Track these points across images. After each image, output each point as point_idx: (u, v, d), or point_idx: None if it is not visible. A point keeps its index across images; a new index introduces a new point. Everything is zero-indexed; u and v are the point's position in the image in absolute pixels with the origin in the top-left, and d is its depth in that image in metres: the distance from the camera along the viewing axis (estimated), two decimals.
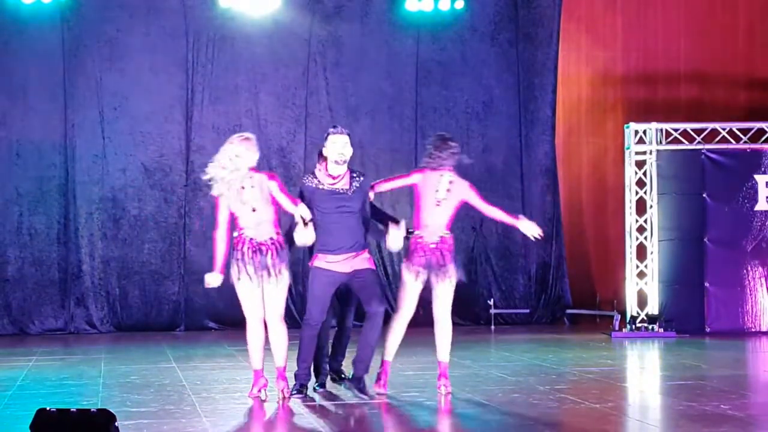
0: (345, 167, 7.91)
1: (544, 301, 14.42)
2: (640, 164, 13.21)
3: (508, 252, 14.39)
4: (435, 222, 8.12)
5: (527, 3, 14.39)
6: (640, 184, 13.23)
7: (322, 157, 8.55)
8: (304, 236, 7.74)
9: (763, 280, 12.85)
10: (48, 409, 5.29)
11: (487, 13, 14.34)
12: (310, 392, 8.20)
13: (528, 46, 14.44)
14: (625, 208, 13.31)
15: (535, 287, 14.43)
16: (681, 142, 13.14)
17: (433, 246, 8.08)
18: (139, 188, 13.62)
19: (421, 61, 14.23)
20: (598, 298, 14.40)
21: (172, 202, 13.68)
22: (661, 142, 13.15)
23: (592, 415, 7.31)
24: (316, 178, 7.93)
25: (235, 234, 7.83)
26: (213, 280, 7.93)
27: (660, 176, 13.06)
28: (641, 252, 13.21)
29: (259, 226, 7.74)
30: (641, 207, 13.20)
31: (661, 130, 13.19)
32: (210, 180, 7.81)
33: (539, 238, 8.46)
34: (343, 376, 8.70)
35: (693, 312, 12.85)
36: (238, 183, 7.72)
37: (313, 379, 8.34)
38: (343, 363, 8.79)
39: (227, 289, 13.71)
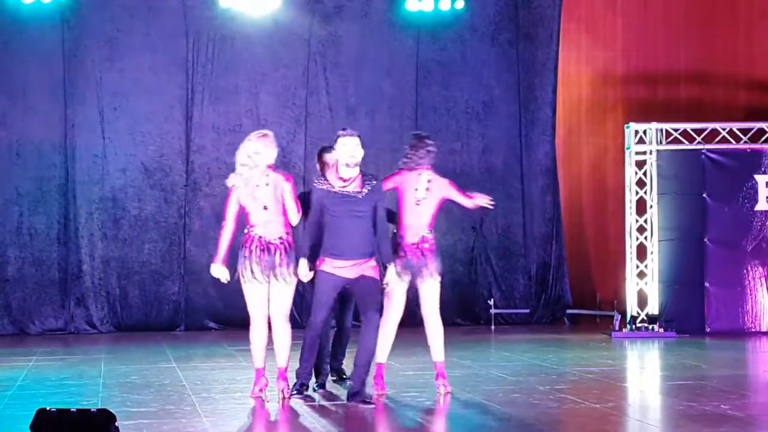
0: (357, 170, 7.74)
1: (544, 301, 14.41)
2: (640, 164, 13.21)
3: (509, 252, 14.39)
4: (416, 222, 8.09)
5: (527, 3, 14.39)
6: (640, 184, 13.23)
7: (321, 158, 8.55)
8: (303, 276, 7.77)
9: (763, 280, 12.85)
10: (48, 409, 5.29)
11: (487, 13, 14.34)
12: (309, 392, 8.20)
13: (528, 46, 14.44)
14: (625, 208, 13.31)
15: (536, 287, 14.43)
16: (681, 142, 13.14)
17: (414, 246, 8.04)
18: (139, 188, 13.62)
19: (421, 61, 14.23)
20: (599, 298, 14.40)
21: (172, 202, 13.68)
22: (661, 142, 13.15)
23: (592, 415, 7.31)
24: (326, 181, 7.76)
25: (245, 231, 7.80)
26: (218, 272, 7.86)
27: (660, 176, 13.06)
28: (641, 252, 13.21)
29: (269, 225, 7.72)
30: (641, 207, 13.20)
31: (661, 130, 13.19)
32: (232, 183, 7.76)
33: (491, 206, 8.43)
34: (344, 376, 8.70)
35: (693, 312, 12.85)
36: (255, 180, 7.70)
37: (313, 379, 8.34)
38: (344, 362, 8.80)
39: (227, 289, 13.75)
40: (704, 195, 12.94)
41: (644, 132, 13.17)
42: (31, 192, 13.38)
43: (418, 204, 8.09)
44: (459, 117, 14.30)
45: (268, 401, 7.81)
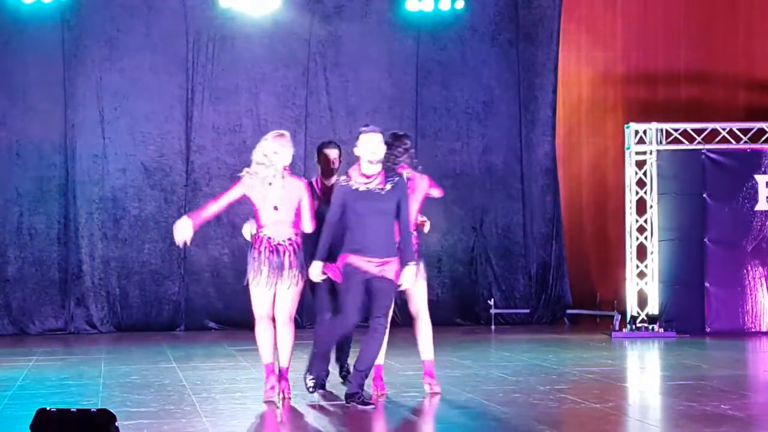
0: (379, 166, 7.64)
1: (544, 301, 14.41)
2: (640, 164, 13.21)
3: (509, 252, 14.39)
4: None
5: (527, 3, 14.38)
6: (641, 184, 13.23)
7: (321, 153, 8.49)
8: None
9: (763, 280, 12.85)
10: (48, 409, 5.29)
11: (487, 13, 14.34)
12: (310, 392, 8.19)
13: (528, 46, 14.44)
14: (625, 208, 13.30)
15: (536, 287, 14.43)
16: (681, 142, 13.14)
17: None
18: (139, 188, 13.62)
19: (422, 61, 14.23)
20: (599, 298, 14.40)
21: (172, 202, 13.68)
22: (661, 142, 13.15)
23: (593, 415, 7.31)
24: (349, 178, 7.66)
25: (253, 232, 7.77)
26: (182, 225, 7.87)
27: (660, 176, 13.06)
28: (641, 252, 13.20)
29: (278, 226, 7.69)
30: (641, 207, 13.20)
31: (661, 130, 13.19)
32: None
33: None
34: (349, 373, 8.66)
35: (693, 312, 12.85)
36: (269, 179, 7.67)
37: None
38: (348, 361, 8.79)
39: (227, 289, 13.83)
40: (704, 195, 12.94)
41: (644, 132, 13.17)
42: (31, 192, 13.38)
43: None
44: (459, 117, 14.30)
45: (280, 406, 7.72)
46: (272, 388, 7.84)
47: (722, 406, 7.49)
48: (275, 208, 7.69)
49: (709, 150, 13.01)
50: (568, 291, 14.48)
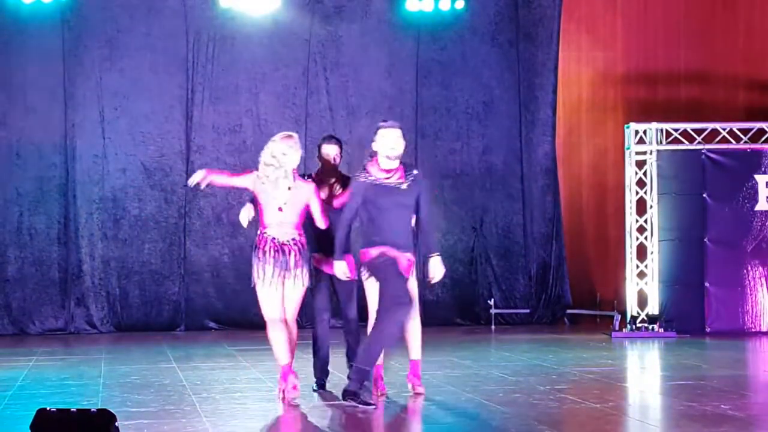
0: (397, 162, 7.63)
1: (544, 301, 14.41)
2: (640, 164, 13.21)
3: (509, 252, 14.39)
4: None
5: (527, 3, 14.39)
6: (641, 184, 13.23)
7: (321, 149, 8.45)
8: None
9: (763, 280, 12.85)
10: (48, 409, 5.29)
11: (487, 13, 14.34)
12: (309, 392, 8.19)
13: (528, 47, 14.44)
14: (625, 208, 13.30)
15: (536, 287, 14.43)
16: (681, 142, 13.14)
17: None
18: (139, 188, 13.62)
19: (422, 61, 14.23)
20: (599, 298, 14.40)
21: (172, 202, 13.68)
22: (661, 142, 13.15)
23: (593, 415, 7.31)
24: (368, 173, 7.62)
25: (258, 232, 7.76)
26: (199, 172, 7.77)
27: (660, 176, 13.06)
28: (641, 252, 13.20)
29: (282, 226, 7.65)
30: (641, 207, 13.20)
31: (662, 130, 13.19)
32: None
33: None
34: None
35: (693, 312, 12.85)
36: (278, 180, 7.63)
37: (313, 379, 8.33)
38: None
39: (227, 289, 13.82)
40: (704, 195, 12.94)
41: (644, 132, 13.17)
42: (31, 192, 13.39)
43: None
44: (459, 117, 14.31)
45: (297, 405, 7.67)
46: (294, 387, 7.71)
47: (722, 406, 7.49)
48: (280, 209, 7.66)
49: (709, 150, 13.01)
50: (568, 291, 14.49)
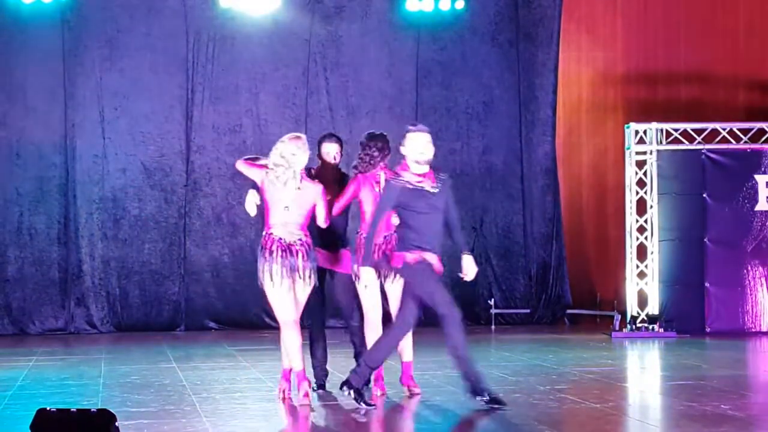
0: (427, 167, 7.58)
1: (544, 301, 14.41)
2: (640, 164, 13.21)
3: (509, 252, 14.39)
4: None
5: (527, 3, 14.39)
6: (641, 184, 13.23)
7: (320, 147, 8.42)
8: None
9: (763, 280, 12.85)
10: (48, 409, 5.29)
11: (487, 13, 14.34)
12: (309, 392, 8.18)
13: (528, 47, 14.44)
14: (625, 208, 13.30)
15: (536, 287, 14.43)
16: (681, 142, 13.14)
17: (377, 246, 7.92)
18: (139, 188, 13.62)
19: (422, 61, 14.23)
20: (599, 298, 14.40)
21: (172, 202, 13.68)
22: (661, 142, 13.15)
23: (593, 415, 7.31)
24: (402, 177, 7.57)
25: (263, 233, 7.72)
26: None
27: (660, 176, 13.06)
28: (641, 252, 13.20)
29: (288, 227, 7.60)
30: (641, 207, 13.20)
31: (662, 130, 13.19)
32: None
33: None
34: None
35: (693, 312, 12.85)
36: (287, 180, 7.60)
37: (313, 379, 8.33)
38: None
39: (227, 289, 13.81)
40: (704, 195, 12.94)
41: (644, 132, 13.17)
42: (31, 192, 13.39)
43: None
44: (459, 117, 14.31)
45: (313, 409, 7.67)
46: (306, 395, 7.57)
47: (722, 406, 7.49)
48: (286, 207, 7.62)
49: (709, 150, 13.01)
50: (568, 291, 14.49)
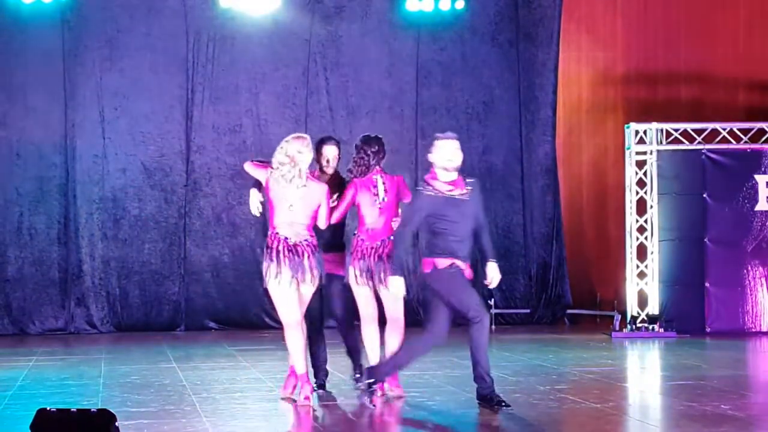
0: (456, 174, 7.55)
1: (544, 301, 14.41)
2: (640, 164, 13.21)
3: (509, 252, 14.37)
4: (379, 225, 7.96)
5: (527, 3, 14.39)
6: (641, 184, 13.23)
7: (320, 150, 8.39)
8: None
9: (763, 280, 12.84)
10: (48, 409, 5.29)
11: (487, 13, 14.34)
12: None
13: (528, 47, 14.44)
14: (625, 208, 13.30)
15: (536, 287, 14.43)
16: (681, 142, 13.14)
17: (373, 250, 7.94)
18: (140, 188, 13.62)
19: (422, 61, 14.23)
20: (599, 298, 14.40)
21: (172, 202, 13.68)
22: (661, 142, 13.15)
23: (593, 415, 7.31)
24: (431, 186, 7.54)
25: (269, 232, 7.68)
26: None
27: (660, 176, 13.06)
28: (642, 252, 13.20)
29: (293, 227, 7.57)
30: (642, 207, 13.20)
31: (662, 130, 13.19)
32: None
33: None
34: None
35: (693, 312, 12.85)
36: (293, 179, 7.58)
37: (313, 380, 8.32)
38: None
39: (227, 289, 13.80)
40: (704, 195, 12.94)
41: (644, 132, 13.17)
42: (32, 192, 13.39)
43: (380, 207, 7.98)
44: (459, 117, 14.30)
45: (314, 409, 7.66)
46: (307, 398, 7.58)
47: (722, 406, 7.49)
48: (291, 206, 7.58)
49: (709, 150, 13.01)
50: (568, 291, 14.48)
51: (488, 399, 7.44)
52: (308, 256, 7.57)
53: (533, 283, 14.42)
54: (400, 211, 8.13)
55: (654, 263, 13.09)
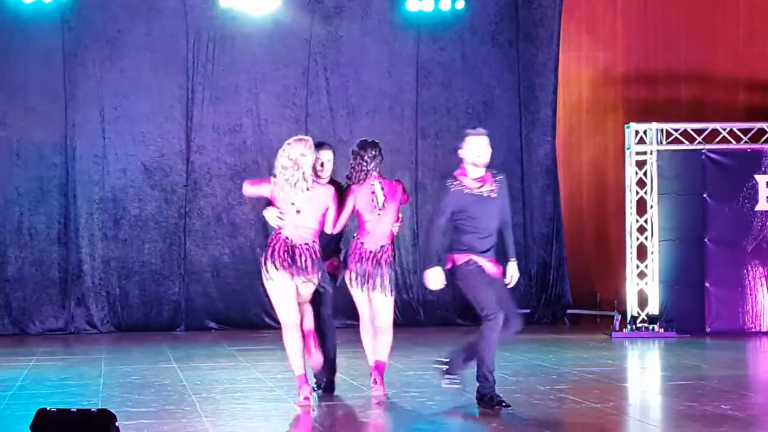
0: (484, 170, 7.60)
1: (544, 301, 14.41)
2: (640, 164, 13.21)
3: None
4: (379, 230, 7.96)
5: (527, 3, 14.38)
6: (641, 184, 13.23)
7: (318, 158, 8.38)
8: None
9: (763, 280, 12.84)
10: (48, 409, 5.29)
11: (487, 13, 14.34)
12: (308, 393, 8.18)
13: (528, 47, 14.44)
14: (625, 208, 13.30)
15: (536, 287, 14.42)
16: (681, 142, 13.14)
17: (372, 254, 7.94)
18: (140, 188, 13.62)
19: (422, 61, 14.23)
20: (599, 298, 14.40)
21: (172, 202, 13.68)
22: (661, 142, 13.14)
23: (593, 415, 7.31)
24: (459, 182, 7.58)
25: (272, 232, 7.67)
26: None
27: (660, 176, 13.06)
28: (642, 252, 13.20)
29: (298, 229, 7.54)
30: (642, 207, 13.20)
31: (662, 130, 13.19)
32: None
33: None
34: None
35: (693, 312, 12.84)
36: (297, 182, 7.56)
37: (313, 379, 8.32)
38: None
39: (227, 289, 13.80)
40: (704, 195, 12.94)
41: (644, 132, 13.17)
42: (32, 192, 13.39)
43: (380, 212, 7.98)
44: (459, 117, 14.30)
45: (314, 410, 7.65)
46: (306, 398, 7.58)
47: (722, 406, 7.49)
48: (298, 211, 7.54)
49: (709, 150, 13.01)
50: (568, 291, 14.48)
51: (488, 399, 7.44)
52: (305, 259, 7.53)
53: (533, 283, 14.42)
54: (400, 215, 8.15)
55: (654, 263, 13.09)
